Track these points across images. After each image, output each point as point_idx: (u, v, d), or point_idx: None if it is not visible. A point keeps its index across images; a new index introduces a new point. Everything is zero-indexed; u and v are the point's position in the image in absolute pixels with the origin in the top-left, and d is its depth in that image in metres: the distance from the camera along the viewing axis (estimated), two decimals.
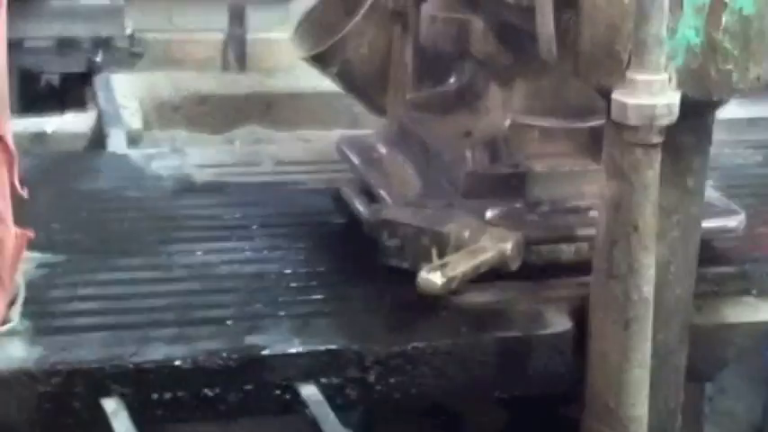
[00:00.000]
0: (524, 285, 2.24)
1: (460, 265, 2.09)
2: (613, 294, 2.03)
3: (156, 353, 1.96)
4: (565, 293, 2.23)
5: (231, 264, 2.31)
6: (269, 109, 3.94)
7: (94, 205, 2.59)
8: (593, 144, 2.43)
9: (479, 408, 2.26)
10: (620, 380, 1.91)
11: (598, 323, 2.07)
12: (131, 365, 1.92)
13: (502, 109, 2.42)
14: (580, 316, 2.14)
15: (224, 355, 1.96)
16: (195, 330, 2.04)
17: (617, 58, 1.88)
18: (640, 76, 1.78)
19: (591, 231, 2.24)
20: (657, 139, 1.80)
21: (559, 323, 2.13)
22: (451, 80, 2.65)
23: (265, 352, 1.98)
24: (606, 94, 1.94)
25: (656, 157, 1.82)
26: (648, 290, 1.86)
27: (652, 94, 1.77)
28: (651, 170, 1.82)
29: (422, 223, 2.20)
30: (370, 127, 3.94)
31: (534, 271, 2.26)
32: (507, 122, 2.36)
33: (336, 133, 3.89)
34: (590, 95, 2.42)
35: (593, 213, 2.32)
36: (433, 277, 2.04)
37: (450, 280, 2.06)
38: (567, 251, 2.31)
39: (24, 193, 1.90)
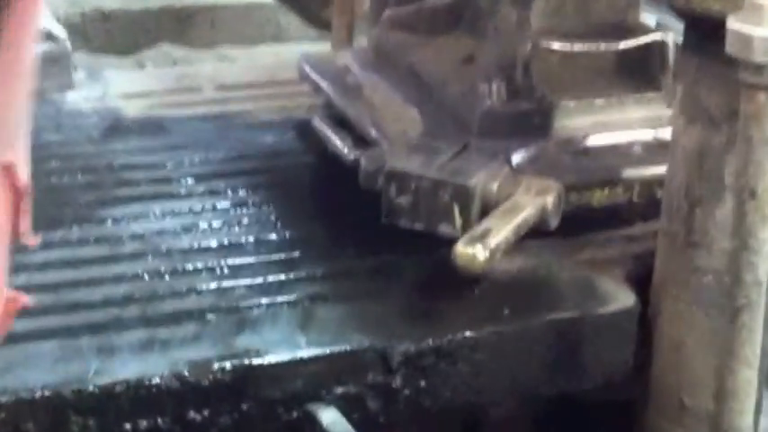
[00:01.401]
0: (560, 243, 1.82)
1: (501, 229, 1.66)
2: (693, 266, 1.64)
3: (125, 368, 1.50)
4: (613, 253, 1.82)
5: (194, 231, 1.85)
6: (182, 25, 3.41)
7: None
8: (621, 69, 2.02)
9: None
10: (723, 382, 1.51)
11: (670, 300, 1.69)
12: (96, 389, 1.46)
13: (517, 30, 1.98)
14: (639, 284, 1.75)
15: (214, 366, 1.51)
16: (169, 331, 1.58)
17: None
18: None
19: (639, 173, 1.88)
20: None
21: (620, 296, 1.72)
22: None
23: (266, 358, 1.54)
24: (693, 17, 1.53)
25: None
26: (764, 271, 1.46)
27: None
28: None
29: (440, 175, 1.76)
30: (296, 40, 3.49)
31: (563, 222, 1.84)
32: (527, 46, 1.92)
33: (261, 51, 3.42)
34: (618, 10, 2.04)
35: (636, 150, 1.93)
36: (475, 251, 1.61)
37: (494, 252, 1.63)
38: (599, 196, 1.91)
39: (34, 240, 1.32)
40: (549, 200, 1.75)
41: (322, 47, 3.19)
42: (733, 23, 1.38)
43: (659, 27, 2.18)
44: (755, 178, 1.42)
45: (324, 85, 2.18)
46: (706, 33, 1.52)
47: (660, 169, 1.84)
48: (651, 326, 1.71)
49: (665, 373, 1.70)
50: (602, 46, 1.98)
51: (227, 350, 1.55)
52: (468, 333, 1.62)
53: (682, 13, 1.56)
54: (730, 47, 1.39)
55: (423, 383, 1.61)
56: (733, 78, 1.44)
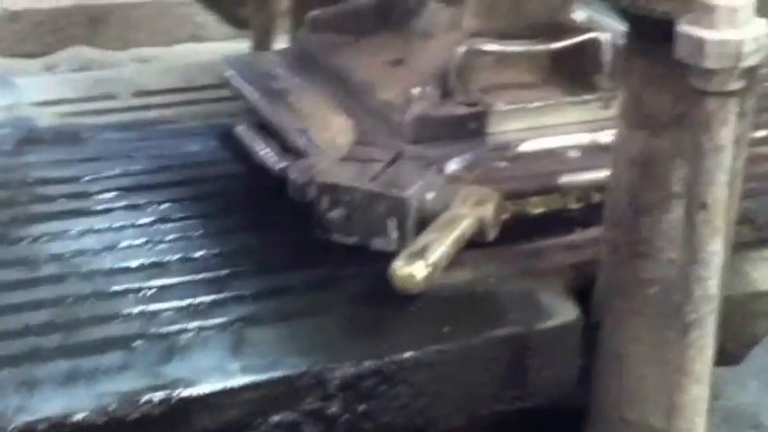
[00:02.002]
0: (498, 253, 1.75)
1: (440, 244, 1.59)
2: (638, 277, 1.59)
3: (48, 404, 1.40)
4: (554, 262, 1.76)
5: (116, 250, 1.75)
6: (95, 24, 3.28)
7: None
8: (556, 70, 1.97)
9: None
10: (673, 399, 1.46)
11: (613, 311, 1.63)
12: (17, 428, 1.37)
13: (448, 31, 1.91)
14: (581, 294, 1.69)
15: (142, 398, 1.43)
16: (94, 360, 1.49)
17: None
18: (722, 1, 1.30)
19: (577, 178, 1.83)
20: (738, 85, 1.33)
21: (564, 309, 1.66)
22: None
23: (197, 388, 1.45)
24: (638, 17, 1.47)
25: (733, 108, 1.35)
26: (714, 284, 1.41)
27: (736, 24, 1.30)
28: (727, 127, 1.35)
29: (373, 186, 1.69)
30: (214, 39, 3.39)
31: (501, 231, 1.77)
32: (461, 49, 1.85)
33: (178, 50, 3.32)
34: (552, 9, 1.98)
35: (572, 154, 1.88)
36: (414, 269, 1.54)
37: (433, 269, 1.56)
38: (536, 203, 1.85)
39: None
40: (488, 210, 1.69)
41: (242, 45, 3.10)
42: (683, 26, 1.32)
43: (591, 23, 2.13)
44: (706, 188, 1.37)
45: (247, 90, 2.10)
46: (651, 34, 1.47)
47: (598, 174, 1.79)
48: (593, 337, 1.66)
49: (607, 385, 1.65)
50: (537, 47, 1.91)
51: (156, 380, 1.46)
52: (408, 353, 1.55)
53: (626, 14, 1.50)
54: (680, 51, 1.33)
55: (362, 408, 1.54)
56: (679, 82, 1.39)
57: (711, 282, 1.41)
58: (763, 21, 1.31)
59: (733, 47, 1.29)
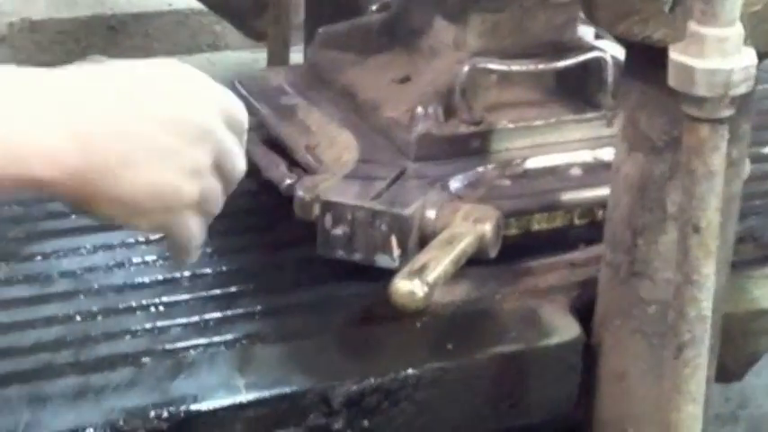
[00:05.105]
0: (500, 271, 1.79)
1: (439, 262, 1.62)
2: (637, 296, 1.62)
3: (58, 419, 1.44)
4: (556, 280, 1.79)
5: (127, 266, 1.79)
6: (114, 34, 3.31)
7: None
8: (560, 88, 2.00)
9: None
10: (668, 419, 1.48)
11: (613, 330, 1.66)
12: None
13: (453, 49, 1.94)
14: (584, 312, 1.72)
15: (150, 414, 1.47)
16: (103, 377, 1.53)
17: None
18: (711, 30, 1.32)
19: (579, 195, 1.85)
20: (728, 113, 1.36)
21: (565, 327, 1.69)
22: (373, 8, 2.16)
23: (204, 404, 1.49)
24: (636, 46, 1.50)
25: (725, 135, 1.37)
26: (708, 305, 1.43)
27: (726, 53, 1.32)
28: (718, 153, 1.37)
29: (376, 204, 1.72)
30: (232, 48, 3.42)
31: (504, 248, 1.80)
32: (465, 68, 1.88)
33: (196, 60, 3.35)
34: (556, 27, 2.01)
35: (576, 172, 1.90)
36: (413, 287, 1.57)
37: (432, 287, 1.59)
38: (538, 218, 1.88)
39: None
40: (488, 228, 1.72)
41: (259, 55, 3.13)
42: (675, 54, 1.35)
43: (598, 37, 2.16)
44: (698, 212, 1.39)
45: (257, 105, 2.13)
46: (647, 60, 1.50)
47: (601, 191, 1.82)
48: (595, 355, 1.69)
49: (609, 404, 1.68)
50: (540, 65, 1.94)
51: (164, 396, 1.50)
52: (410, 370, 1.58)
53: (622, 40, 1.53)
54: (672, 79, 1.35)
55: (365, 424, 1.57)
56: (674, 106, 1.42)
57: (705, 303, 1.43)
58: (751, 50, 1.34)
59: (723, 76, 1.31)
